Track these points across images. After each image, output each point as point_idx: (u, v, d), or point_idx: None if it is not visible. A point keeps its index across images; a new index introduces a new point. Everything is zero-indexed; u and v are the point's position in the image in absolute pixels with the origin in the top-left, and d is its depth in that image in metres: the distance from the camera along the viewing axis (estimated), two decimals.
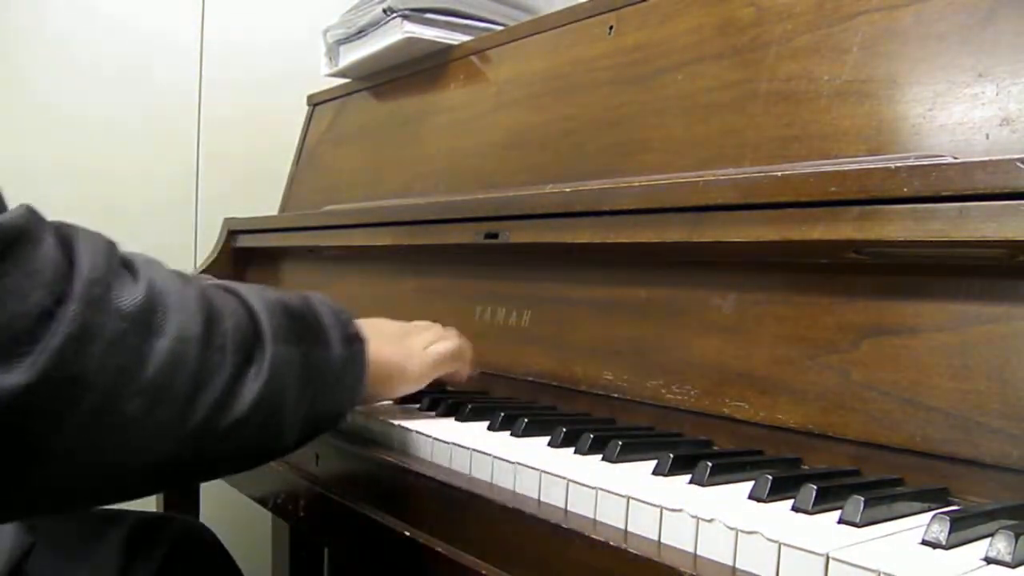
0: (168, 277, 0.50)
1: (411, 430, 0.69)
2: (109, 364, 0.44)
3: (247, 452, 0.56)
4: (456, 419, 0.74)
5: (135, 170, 1.72)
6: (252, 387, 0.52)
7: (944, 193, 0.53)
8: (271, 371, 0.53)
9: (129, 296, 0.47)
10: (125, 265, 0.49)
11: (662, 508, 0.47)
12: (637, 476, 0.54)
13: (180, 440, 0.49)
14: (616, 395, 0.75)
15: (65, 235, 0.47)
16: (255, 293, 0.57)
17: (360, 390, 0.64)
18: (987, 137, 0.59)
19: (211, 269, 1.40)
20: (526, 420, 0.67)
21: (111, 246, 0.50)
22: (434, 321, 0.82)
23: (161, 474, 0.51)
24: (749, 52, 0.78)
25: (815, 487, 0.47)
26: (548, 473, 0.54)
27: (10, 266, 0.42)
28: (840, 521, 0.45)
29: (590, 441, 0.61)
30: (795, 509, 0.47)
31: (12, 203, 0.47)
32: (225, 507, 1.41)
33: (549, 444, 0.63)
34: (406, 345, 0.76)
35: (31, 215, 0.45)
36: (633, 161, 0.85)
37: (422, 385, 0.76)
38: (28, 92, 1.65)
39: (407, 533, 0.61)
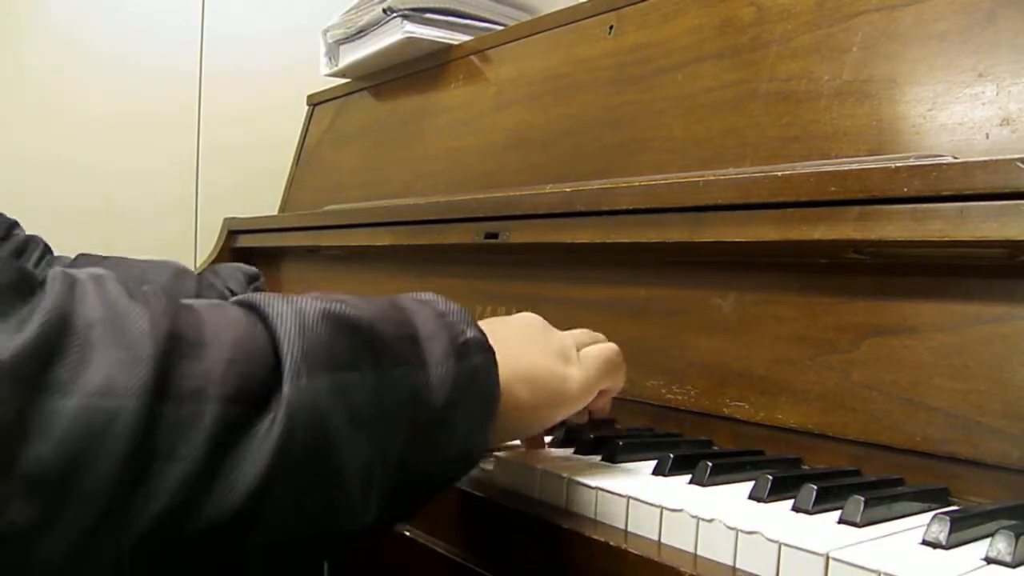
0: (105, 300, 0.34)
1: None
2: None
3: (277, 550, 0.36)
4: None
5: (135, 169, 1.72)
6: (259, 450, 0.34)
7: (944, 193, 0.53)
8: (291, 419, 0.35)
9: (9, 333, 0.30)
10: (12, 288, 0.32)
11: (662, 508, 0.47)
12: (637, 476, 0.54)
13: (116, 565, 0.31)
14: (616, 395, 0.75)
15: None
16: (291, 307, 0.39)
17: (489, 421, 0.45)
18: (987, 137, 0.59)
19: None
20: None
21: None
22: None
23: None
24: (749, 52, 0.78)
25: (815, 487, 0.47)
26: (548, 472, 0.54)
27: None
28: (840, 521, 0.45)
29: (590, 441, 0.61)
30: (795, 509, 0.47)
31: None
32: None
33: (551, 444, 0.63)
34: (555, 345, 0.54)
35: None
36: (633, 161, 0.85)
37: (583, 405, 0.55)
38: (28, 87, 1.65)
39: None
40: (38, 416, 0.30)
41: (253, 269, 0.98)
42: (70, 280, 0.34)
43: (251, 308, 0.39)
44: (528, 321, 0.56)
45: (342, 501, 0.38)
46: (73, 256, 0.98)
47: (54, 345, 0.31)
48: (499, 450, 0.57)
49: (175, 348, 0.33)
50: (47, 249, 0.99)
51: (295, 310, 0.38)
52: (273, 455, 0.34)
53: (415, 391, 0.41)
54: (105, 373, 0.31)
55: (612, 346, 0.58)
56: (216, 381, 0.34)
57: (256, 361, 0.36)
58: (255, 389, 0.35)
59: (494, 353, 0.46)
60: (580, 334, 0.58)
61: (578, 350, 0.56)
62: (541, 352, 0.52)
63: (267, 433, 0.34)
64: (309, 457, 0.36)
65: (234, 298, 0.41)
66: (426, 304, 0.46)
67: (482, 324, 0.48)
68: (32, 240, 0.98)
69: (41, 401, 0.30)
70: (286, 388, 0.35)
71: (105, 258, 0.96)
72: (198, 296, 0.93)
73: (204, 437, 0.33)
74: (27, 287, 0.32)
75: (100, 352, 0.32)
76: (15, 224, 0.98)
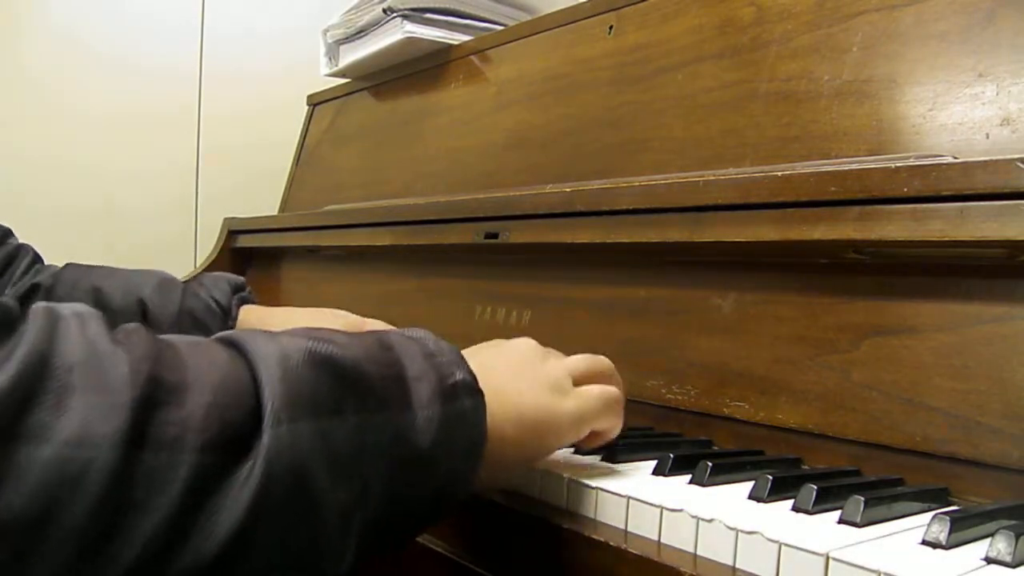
0: (86, 341, 0.33)
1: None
2: None
3: None
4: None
5: (135, 169, 1.72)
6: (237, 497, 0.33)
7: (944, 193, 0.53)
8: (270, 465, 0.34)
9: None
10: None
11: (662, 508, 0.47)
12: (637, 476, 0.54)
13: None
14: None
15: None
16: (275, 346, 0.38)
17: (474, 463, 0.44)
18: (987, 137, 0.59)
19: (210, 269, 1.40)
20: None
21: None
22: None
23: None
24: (749, 52, 0.78)
25: (815, 487, 0.47)
26: (548, 473, 0.54)
27: None
28: (840, 521, 0.45)
29: None
30: (795, 509, 0.47)
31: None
32: None
33: None
34: (549, 377, 0.52)
35: None
36: (633, 161, 0.85)
37: (571, 441, 0.54)
38: (28, 87, 1.65)
39: None
40: (10, 465, 0.29)
41: (239, 278, 0.97)
42: (52, 317, 0.34)
43: (235, 347, 0.39)
44: (523, 349, 0.54)
45: (323, 545, 0.38)
46: (62, 264, 0.98)
47: (31, 389, 0.30)
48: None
49: (154, 393, 0.33)
50: (37, 258, 0.99)
51: (279, 351, 0.38)
52: (252, 502, 0.34)
53: (399, 434, 0.41)
54: (81, 419, 0.31)
55: (613, 389, 0.55)
56: (196, 429, 0.33)
57: (237, 405, 0.35)
58: (234, 435, 0.34)
59: (483, 395, 0.45)
60: (579, 361, 0.56)
61: (577, 381, 0.54)
62: (532, 385, 0.51)
63: (246, 480, 0.34)
64: (289, 502, 0.36)
65: (218, 335, 0.41)
66: (416, 342, 0.45)
67: (474, 355, 0.47)
68: (23, 248, 0.98)
69: (15, 449, 0.29)
70: (265, 436, 0.35)
71: (92, 268, 0.96)
72: (183, 305, 0.92)
73: (181, 486, 0.32)
74: (6, 324, 0.32)
75: (78, 397, 0.31)
76: (8, 232, 0.98)
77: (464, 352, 0.47)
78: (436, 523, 0.45)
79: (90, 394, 0.31)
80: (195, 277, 0.98)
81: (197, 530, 0.33)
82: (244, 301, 0.95)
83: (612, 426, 0.56)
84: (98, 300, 0.90)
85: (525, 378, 0.51)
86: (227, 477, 0.34)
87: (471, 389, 0.44)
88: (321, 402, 0.37)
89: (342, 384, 0.39)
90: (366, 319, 0.90)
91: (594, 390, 0.54)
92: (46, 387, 0.31)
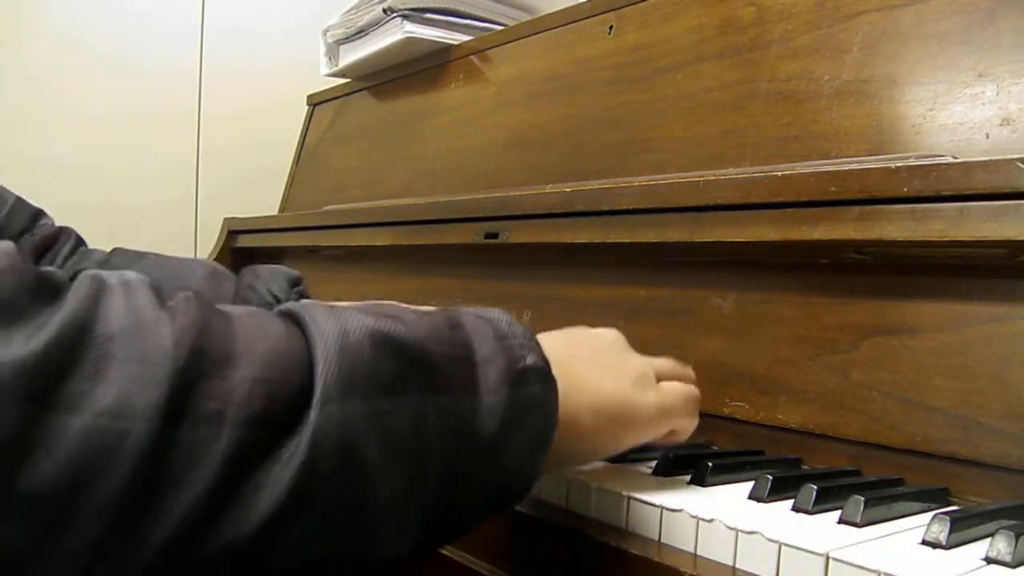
0: (131, 309, 0.32)
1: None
2: None
3: (310, 569, 0.35)
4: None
5: (135, 169, 1.72)
6: (279, 476, 0.32)
7: (944, 193, 0.53)
8: (316, 445, 0.33)
9: (7, 349, 0.29)
10: (30, 293, 0.31)
11: (662, 508, 0.47)
12: (637, 476, 0.54)
13: None
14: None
15: None
16: (336, 322, 0.36)
17: (540, 454, 0.42)
18: (987, 137, 0.59)
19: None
20: None
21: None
22: None
23: None
24: (749, 52, 0.78)
25: (815, 487, 0.47)
26: (548, 473, 0.54)
27: None
28: (840, 521, 0.45)
29: None
30: (795, 509, 0.47)
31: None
32: None
33: None
34: (632, 370, 0.50)
35: None
36: (633, 161, 0.85)
37: (651, 437, 0.52)
38: (28, 87, 1.65)
39: None
40: (43, 433, 0.29)
41: (295, 272, 0.92)
42: (97, 284, 0.33)
43: (293, 320, 0.37)
44: (609, 339, 0.53)
45: (375, 528, 0.36)
46: (109, 250, 0.93)
47: (69, 356, 0.30)
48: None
49: (197, 365, 0.32)
50: (80, 241, 0.94)
51: (339, 326, 0.36)
52: (294, 482, 0.32)
53: (462, 419, 0.39)
54: (118, 390, 0.30)
55: (694, 388, 0.54)
56: (238, 403, 0.32)
57: (285, 379, 0.34)
58: (281, 412, 0.33)
59: (555, 382, 0.43)
60: (663, 362, 0.54)
61: (659, 379, 0.52)
62: (614, 376, 0.49)
63: (289, 459, 0.33)
64: (336, 485, 0.34)
65: (279, 307, 0.39)
66: (488, 323, 0.43)
67: (555, 340, 0.45)
68: (64, 232, 0.92)
69: (47, 418, 0.29)
70: (313, 413, 0.33)
71: (141, 255, 0.91)
72: (237, 297, 0.87)
73: (219, 461, 0.31)
74: (48, 292, 0.31)
75: (117, 367, 0.30)
76: (40, 213, 0.92)
77: (543, 336, 0.45)
78: (501, 511, 0.44)
79: (130, 364, 0.30)
80: (249, 268, 0.93)
81: (235, 507, 0.32)
82: (301, 296, 0.91)
83: (689, 426, 0.54)
84: None
85: (606, 367, 0.49)
86: (270, 454, 0.32)
87: (542, 374, 0.42)
88: (379, 381, 0.36)
89: (404, 364, 0.37)
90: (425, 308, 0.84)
91: (677, 386, 0.52)
92: (85, 355, 0.30)
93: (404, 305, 0.42)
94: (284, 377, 0.34)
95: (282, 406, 0.33)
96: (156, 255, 0.92)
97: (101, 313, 0.31)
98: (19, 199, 0.91)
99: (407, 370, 0.37)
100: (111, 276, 0.34)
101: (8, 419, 0.28)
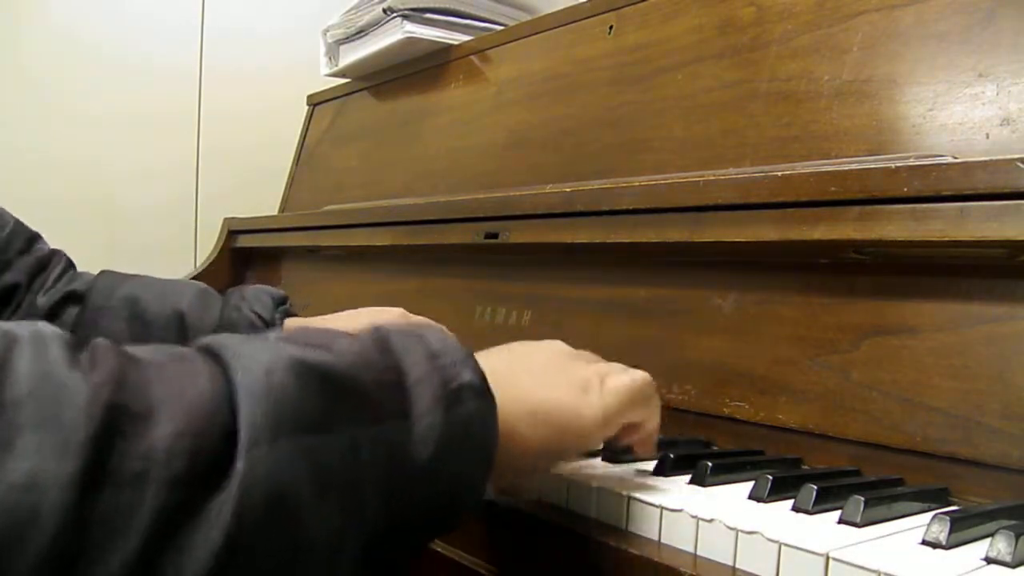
0: (40, 370, 0.30)
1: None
2: None
3: None
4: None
5: (135, 168, 1.72)
6: (208, 534, 0.31)
7: (944, 193, 0.53)
8: (246, 496, 0.32)
9: None
10: None
11: (662, 508, 0.47)
12: (637, 476, 0.54)
13: None
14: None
15: None
16: (259, 355, 0.35)
17: (484, 470, 0.41)
18: (987, 137, 0.59)
19: (211, 269, 1.40)
20: None
21: None
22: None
23: None
24: (749, 52, 0.78)
25: (815, 487, 0.47)
26: (548, 473, 0.54)
27: None
28: (840, 521, 0.45)
29: None
30: (795, 509, 0.47)
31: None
32: None
33: None
34: (575, 377, 0.49)
35: None
36: (633, 161, 0.85)
37: (600, 440, 0.53)
38: (28, 86, 1.65)
39: None
40: None
41: (280, 292, 0.92)
42: (5, 343, 0.31)
43: (214, 358, 0.35)
44: (553, 350, 0.52)
45: (313, 570, 0.35)
46: (97, 272, 0.94)
47: None
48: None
49: (115, 425, 0.30)
50: (70, 264, 0.95)
51: (263, 363, 0.35)
52: (225, 537, 0.31)
53: (396, 446, 0.38)
54: (31, 462, 0.28)
55: (641, 375, 0.52)
56: (161, 461, 0.30)
57: (209, 431, 0.32)
58: (205, 465, 0.31)
59: (492, 397, 0.42)
60: (611, 366, 0.53)
61: (602, 380, 0.50)
62: (556, 385, 0.48)
63: (217, 516, 0.31)
64: (270, 533, 0.33)
65: (201, 341, 0.37)
66: (419, 340, 0.42)
67: (493, 355, 0.45)
68: (56, 255, 0.94)
69: None
70: (239, 463, 0.32)
71: (128, 276, 0.92)
72: (223, 318, 0.88)
73: (144, 525, 0.29)
74: None
75: (28, 436, 0.28)
76: (37, 237, 0.93)
77: (482, 353, 0.45)
78: (449, 531, 0.43)
79: (42, 432, 0.28)
80: (235, 289, 0.95)
81: (167, 569, 0.30)
82: (287, 314, 0.91)
83: (645, 417, 0.52)
84: (134, 310, 0.87)
85: (547, 376, 0.48)
86: (197, 513, 0.31)
87: (478, 391, 0.41)
88: (307, 417, 0.34)
89: (332, 396, 0.36)
90: (420, 318, 0.82)
91: (617, 381, 0.50)
92: None
93: (332, 328, 0.42)
94: (207, 428, 0.32)
95: (207, 460, 0.31)
96: (144, 277, 0.93)
97: (8, 376, 0.29)
98: (18, 221, 0.92)
99: (335, 402, 0.36)
100: (22, 329, 0.32)
101: None
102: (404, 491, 0.38)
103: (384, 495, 0.37)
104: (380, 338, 0.41)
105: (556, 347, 0.53)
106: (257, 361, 0.35)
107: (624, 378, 0.51)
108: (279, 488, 0.33)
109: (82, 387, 0.30)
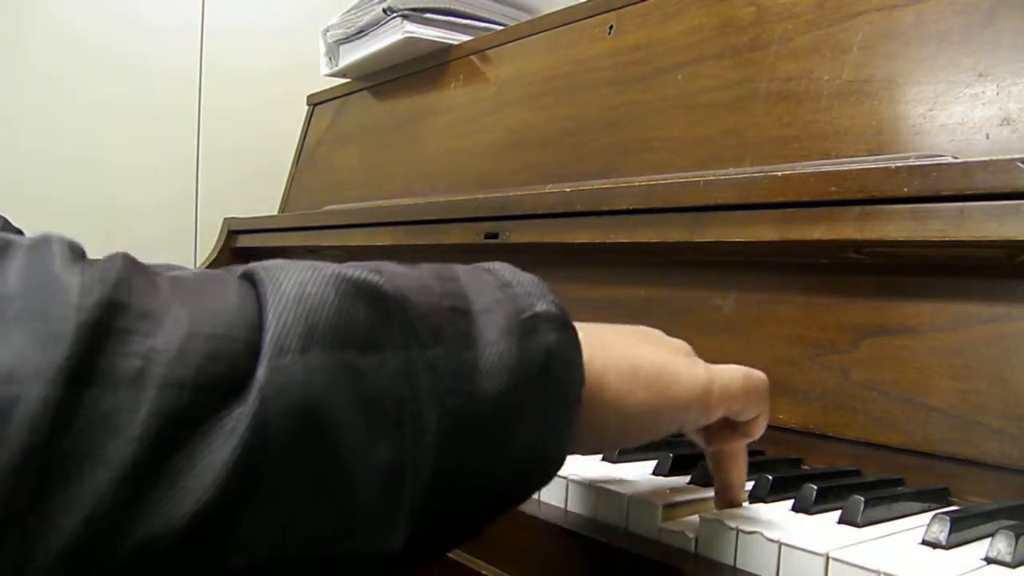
0: (34, 268, 0.27)
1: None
2: None
3: (275, 572, 0.28)
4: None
5: (135, 166, 1.72)
6: (219, 449, 0.26)
7: (944, 193, 0.53)
8: (266, 408, 0.27)
9: None
10: None
11: (662, 508, 0.47)
12: (638, 475, 0.54)
13: None
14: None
15: None
16: (293, 268, 0.30)
17: (569, 418, 0.35)
18: (987, 137, 0.59)
19: (211, 269, 1.40)
20: None
21: None
22: None
23: None
24: (749, 52, 0.78)
25: (815, 487, 0.47)
26: None
27: None
28: (840, 521, 0.45)
29: None
30: (795, 509, 0.47)
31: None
32: None
33: None
34: (675, 343, 0.45)
35: None
36: (633, 161, 0.85)
37: (698, 420, 0.43)
38: (29, 84, 1.65)
39: None
40: None
41: None
42: (3, 244, 0.27)
43: (248, 278, 0.31)
44: (644, 327, 0.45)
45: (355, 515, 0.29)
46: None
47: None
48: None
49: (112, 319, 0.26)
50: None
51: (300, 277, 0.30)
52: (239, 455, 0.26)
53: (460, 376, 0.32)
54: (11, 352, 0.24)
55: (759, 373, 0.46)
56: (165, 362, 0.26)
57: (229, 336, 0.27)
58: (221, 371, 0.27)
59: (575, 332, 0.35)
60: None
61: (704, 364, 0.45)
62: (652, 343, 0.42)
63: (233, 429, 0.26)
64: (298, 457, 0.28)
65: (241, 268, 0.33)
66: (488, 272, 0.37)
67: (578, 324, 0.37)
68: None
69: None
70: (260, 371, 0.27)
71: None
72: None
73: (140, 432, 0.25)
74: None
75: (10, 328, 0.25)
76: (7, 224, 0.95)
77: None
78: (519, 500, 0.36)
79: (26, 322, 0.25)
80: None
81: (164, 488, 0.25)
82: None
83: (755, 412, 0.45)
84: None
85: (646, 342, 0.42)
86: (207, 422, 0.26)
87: (558, 321, 0.35)
88: (349, 333, 0.29)
89: (381, 315, 0.30)
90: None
91: (735, 366, 0.44)
92: None
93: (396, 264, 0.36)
94: (226, 333, 0.27)
95: (223, 366, 0.27)
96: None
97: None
98: None
99: (385, 321, 0.30)
100: (21, 238, 0.28)
101: None
102: (470, 434, 0.32)
103: (446, 435, 0.31)
104: (442, 268, 0.36)
105: (649, 328, 0.45)
106: (293, 277, 0.30)
107: (741, 367, 0.45)
108: (308, 404, 0.28)
109: (75, 283, 0.26)
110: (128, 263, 0.29)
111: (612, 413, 0.39)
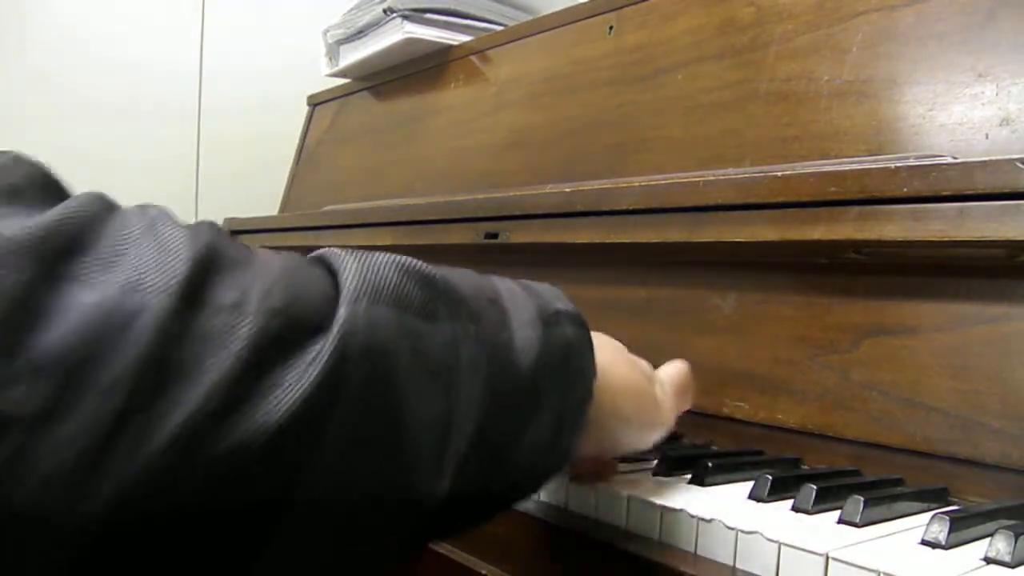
0: (144, 214, 0.31)
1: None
2: None
3: (326, 511, 0.31)
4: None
5: (135, 165, 1.72)
6: (305, 372, 0.29)
7: (944, 193, 0.53)
8: (346, 342, 0.30)
9: (14, 217, 0.27)
10: (41, 188, 0.31)
11: (662, 508, 0.47)
12: (637, 476, 0.54)
13: (128, 480, 0.26)
14: None
15: None
16: (356, 252, 0.35)
17: (583, 406, 0.40)
18: (987, 137, 0.59)
19: None
20: None
21: (16, 161, 0.32)
22: None
23: (100, 561, 0.27)
24: (749, 52, 0.78)
25: (815, 487, 0.47)
26: None
27: None
28: (840, 521, 0.45)
29: None
30: (795, 509, 0.47)
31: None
32: None
33: None
34: (641, 365, 0.50)
35: None
36: (633, 161, 0.85)
37: (668, 432, 0.51)
38: (29, 81, 1.65)
39: None
40: (52, 300, 0.26)
41: None
42: (106, 197, 0.31)
43: (311, 256, 0.35)
44: (605, 336, 0.48)
45: (408, 457, 0.32)
46: None
47: (83, 237, 0.28)
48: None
49: (216, 259, 0.30)
50: None
51: (357, 255, 0.34)
52: (322, 378, 0.29)
53: (497, 350, 0.36)
54: (135, 268, 0.28)
55: (684, 366, 0.54)
56: (259, 293, 0.30)
57: (310, 285, 0.32)
58: (305, 311, 0.30)
59: (588, 330, 0.41)
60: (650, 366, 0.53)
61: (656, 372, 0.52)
62: (629, 368, 0.47)
63: (316, 356, 0.29)
64: (368, 392, 0.31)
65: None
66: (510, 279, 0.42)
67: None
68: None
69: (58, 286, 0.27)
70: (342, 309, 0.31)
71: None
72: None
73: (239, 348, 0.28)
74: (56, 189, 0.31)
75: (132, 253, 0.28)
76: None
77: None
78: (538, 486, 0.40)
79: (145, 250, 0.29)
80: None
81: (256, 399, 0.28)
82: None
83: (686, 407, 0.55)
84: None
85: (622, 361, 0.48)
86: (294, 349, 0.29)
87: (575, 319, 0.40)
88: (409, 301, 0.33)
89: (432, 292, 0.35)
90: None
91: (670, 372, 0.53)
92: (99, 243, 0.28)
93: None
94: (306, 283, 0.32)
95: (306, 303, 0.31)
96: None
97: (116, 215, 0.30)
98: None
99: (437, 299, 0.35)
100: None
101: (18, 275, 0.26)
102: (507, 397, 0.36)
103: (485, 400, 0.35)
104: (471, 271, 0.41)
105: (609, 337, 0.50)
106: (351, 255, 0.34)
107: (675, 371, 0.53)
108: (380, 348, 0.31)
109: (182, 232, 0.30)
110: (217, 227, 0.33)
111: (615, 413, 0.45)
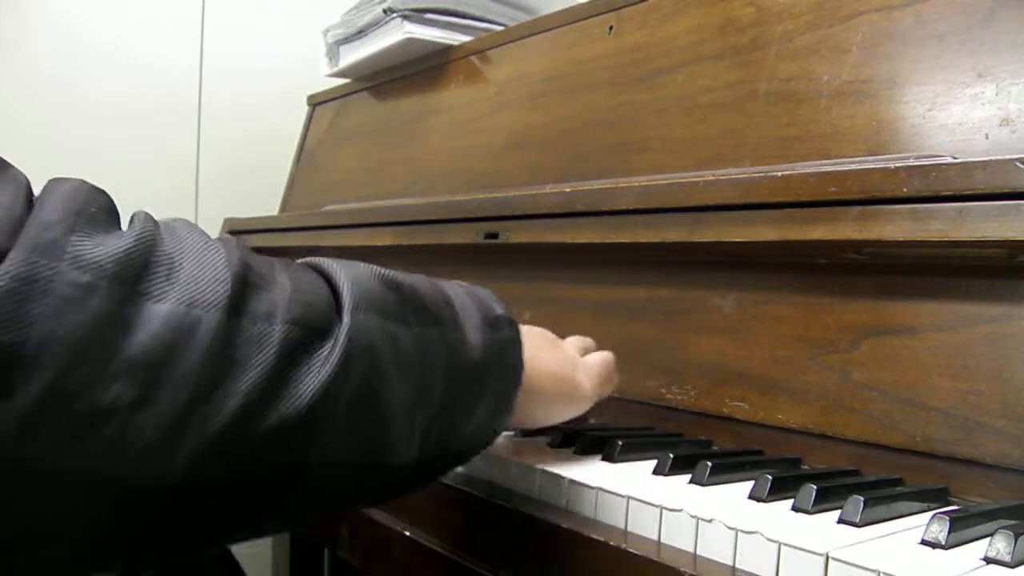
0: (187, 234, 0.38)
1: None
2: (61, 330, 0.32)
3: (333, 471, 0.40)
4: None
5: (135, 165, 1.72)
6: (320, 370, 0.38)
7: (944, 193, 0.53)
8: (349, 345, 0.39)
9: (102, 246, 0.34)
10: (109, 213, 0.38)
11: (662, 508, 0.47)
12: (637, 476, 0.54)
13: (198, 452, 0.35)
14: (616, 395, 0.75)
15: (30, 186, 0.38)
16: (343, 263, 0.43)
17: (514, 392, 0.50)
18: (987, 137, 0.59)
19: None
20: None
21: (91, 190, 0.38)
22: None
23: (176, 512, 0.36)
24: (749, 52, 0.78)
25: (815, 487, 0.47)
26: (548, 472, 0.54)
27: None
28: (840, 521, 0.45)
29: (590, 441, 0.61)
30: (795, 509, 0.47)
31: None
32: None
33: (549, 444, 0.63)
34: (565, 354, 0.60)
35: None
36: (633, 161, 0.85)
37: (586, 409, 0.61)
38: (29, 82, 1.65)
39: None
40: (136, 312, 0.34)
41: None
42: (153, 219, 0.39)
43: (311, 266, 0.44)
44: (539, 331, 0.59)
45: (390, 432, 0.42)
46: None
47: (144, 260, 0.35)
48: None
49: (248, 276, 0.38)
50: None
51: (348, 267, 0.43)
52: (333, 375, 0.38)
53: (453, 348, 0.46)
54: (190, 285, 0.36)
55: (609, 355, 0.63)
56: (283, 308, 0.38)
57: (317, 298, 0.40)
58: (317, 320, 0.39)
59: (519, 330, 0.51)
60: (574, 341, 0.64)
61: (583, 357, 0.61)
62: (553, 357, 0.58)
63: (328, 356, 0.38)
64: (363, 385, 0.40)
65: (297, 261, 0.45)
66: (454, 283, 0.51)
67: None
68: None
69: (138, 301, 0.34)
70: (346, 318, 0.40)
71: None
72: None
73: (274, 351, 0.37)
74: (115, 214, 0.38)
75: (185, 271, 0.36)
76: None
77: None
78: (477, 451, 0.49)
79: (196, 270, 0.36)
80: None
81: (287, 390, 0.37)
82: None
83: (609, 391, 0.63)
84: None
85: (547, 351, 0.58)
86: (312, 350, 0.38)
87: (510, 323, 0.50)
88: (388, 308, 0.43)
89: (404, 299, 0.44)
90: None
91: (595, 360, 0.61)
92: (158, 261, 0.36)
93: None
94: (315, 294, 0.40)
95: (317, 317, 0.39)
96: None
97: (162, 235, 0.37)
98: None
99: (409, 306, 0.44)
100: (158, 220, 0.40)
101: (109, 296, 0.33)
102: (458, 389, 0.46)
103: (444, 387, 0.45)
104: (424, 277, 0.49)
105: (541, 329, 0.60)
106: (347, 268, 0.43)
107: (599, 358, 0.61)
108: (372, 349, 0.41)
109: (220, 250, 0.38)
110: (239, 242, 0.40)
111: (538, 401, 0.55)
